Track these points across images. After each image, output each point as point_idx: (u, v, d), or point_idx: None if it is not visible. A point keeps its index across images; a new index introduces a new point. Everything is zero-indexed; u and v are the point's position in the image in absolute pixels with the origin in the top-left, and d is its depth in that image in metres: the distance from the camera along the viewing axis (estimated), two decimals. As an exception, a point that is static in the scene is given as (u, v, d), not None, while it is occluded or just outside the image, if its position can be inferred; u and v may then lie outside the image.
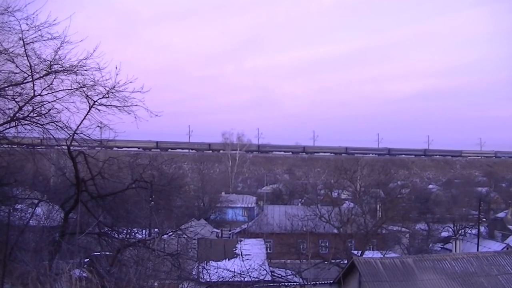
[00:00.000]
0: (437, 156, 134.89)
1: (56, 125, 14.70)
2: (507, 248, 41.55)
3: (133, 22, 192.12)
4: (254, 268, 23.83)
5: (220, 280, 21.27)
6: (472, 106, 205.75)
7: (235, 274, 23.98)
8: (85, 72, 14.28)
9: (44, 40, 13.45)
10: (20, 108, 14.27)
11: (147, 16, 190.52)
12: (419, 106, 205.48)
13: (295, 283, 28.60)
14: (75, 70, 14.17)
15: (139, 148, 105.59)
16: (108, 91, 14.90)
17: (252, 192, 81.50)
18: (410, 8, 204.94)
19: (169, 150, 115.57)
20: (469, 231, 52.74)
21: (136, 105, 15.24)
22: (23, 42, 13.20)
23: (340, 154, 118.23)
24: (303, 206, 49.19)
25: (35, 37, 13.33)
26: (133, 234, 19.31)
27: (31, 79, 13.94)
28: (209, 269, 22.18)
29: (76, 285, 7.98)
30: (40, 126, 14.64)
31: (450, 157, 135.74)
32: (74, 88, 14.68)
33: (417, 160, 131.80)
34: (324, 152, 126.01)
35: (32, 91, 14.20)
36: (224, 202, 64.54)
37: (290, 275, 30.97)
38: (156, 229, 19.33)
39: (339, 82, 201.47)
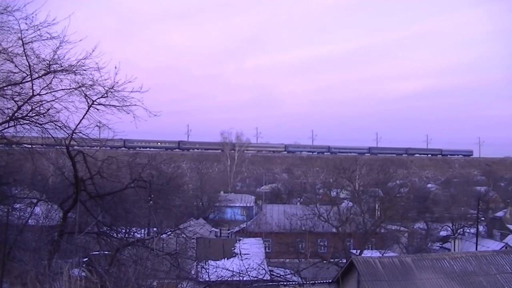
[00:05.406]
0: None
1: (55, 124, 14.72)
2: (506, 247, 41.59)
3: (133, 21, 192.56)
4: (253, 268, 23.76)
5: (219, 279, 21.25)
6: (471, 105, 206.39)
7: (234, 273, 23.96)
8: (84, 71, 14.32)
9: (43, 40, 13.47)
10: (19, 108, 14.27)
11: (147, 15, 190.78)
12: (418, 105, 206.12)
13: (294, 282, 28.56)
14: (74, 69, 14.17)
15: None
16: (107, 90, 14.91)
17: (251, 191, 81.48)
18: (410, 8, 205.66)
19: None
20: (468, 230, 52.75)
21: (135, 105, 15.28)
22: (22, 41, 13.19)
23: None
24: (302, 205, 49.15)
25: (34, 36, 13.34)
26: (132, 233, 19.33)
27: (30, 78, 13.94)
28: (208, 269, 22.15)
29: (75, 284, 7.99)
30: (39, 126, 14.66)
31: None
32: (73, 88, 14.70)
33: (416, 159, 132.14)
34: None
35: (31, 90, 14.22)
36: (223, 202, 64.51)
37: (289, 274, 30.92)
38: (155, 229, 19.35)
39: (339, 81, 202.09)
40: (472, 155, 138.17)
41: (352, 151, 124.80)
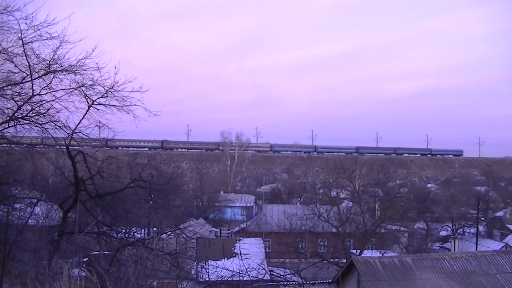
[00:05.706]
0: None
1: (55, 124, 14.71)
2: (506, 247, 41.59)
3: (133, 21, 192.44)
4: (253, 267, 23.73)
5: (219, 279, 21.24)
6: (471, 105, 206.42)
7: (234, 273, 23.95)
8: (84, 71, 14.31)
9: (43, 40, 13.47)
10: (19, 108, 14.26)
11: (147, 15, 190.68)
12: (418, 105, 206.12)
13: (294, 282, 28.56)
14: (74, 69, 14.16)
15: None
16: (107, 90, 14.91)
17: (251, 191, 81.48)
18: (410, 8, 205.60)
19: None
20: (468, 230, 52.73)
21: (135, 105, 15.29)
22: (22, 41, 13.18)
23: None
24: (302, 205, 49.14)
25: (34, 36, 13.34)
26: (132, 233, 19.30)
27: (30, 78, 13.94)
28: (208, 269, 22.13)
29: (75, 284, 7.99)
30: (39, 126, 14.65)
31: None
32: (73, 88, 14.69)
33: (416, 159, 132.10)
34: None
35: (31, 90, 14.22)
36: (223, 201, 64.52)
37: (289, 274, 30.91)
38: (155, 229, 19.33)
39: (339, 81, 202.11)
40: (462, 154, 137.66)
41: (339, 151, 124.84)
